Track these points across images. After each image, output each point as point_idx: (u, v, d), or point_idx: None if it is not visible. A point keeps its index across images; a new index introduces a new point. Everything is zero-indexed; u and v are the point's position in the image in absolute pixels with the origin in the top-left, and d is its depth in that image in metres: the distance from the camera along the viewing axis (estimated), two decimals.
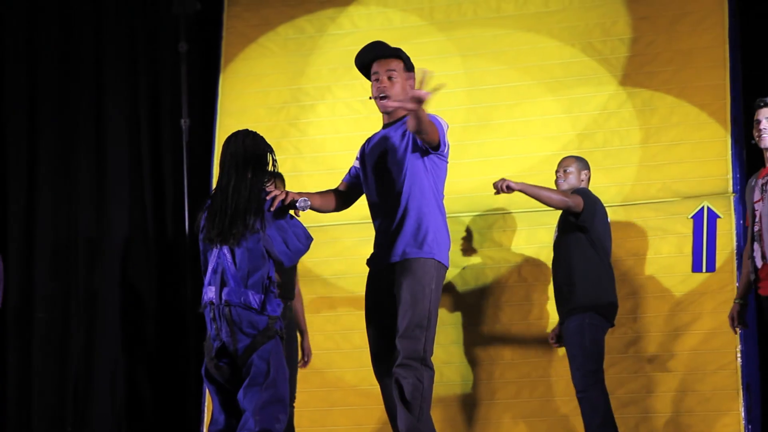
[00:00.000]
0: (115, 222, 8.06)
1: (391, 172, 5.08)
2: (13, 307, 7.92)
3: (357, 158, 5.33)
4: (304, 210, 4.81)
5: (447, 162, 5.19)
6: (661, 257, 6.92)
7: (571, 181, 6.38)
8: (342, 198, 5.34)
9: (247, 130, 4.88)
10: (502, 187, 5.99)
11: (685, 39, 7.14)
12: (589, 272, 6.14)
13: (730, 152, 6.89)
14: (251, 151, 4.78)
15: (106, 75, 8.21)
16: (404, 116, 5.05)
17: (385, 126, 5.25)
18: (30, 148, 8.10)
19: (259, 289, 4.68)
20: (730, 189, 6.84)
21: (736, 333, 5.60)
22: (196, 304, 7.63)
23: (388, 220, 5.10)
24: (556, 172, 6.49)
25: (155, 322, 8.06)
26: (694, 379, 6.73)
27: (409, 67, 5.20)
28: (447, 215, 7.12)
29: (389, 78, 5.13)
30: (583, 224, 6.18)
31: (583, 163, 6.50)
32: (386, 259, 5.10)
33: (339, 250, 7.37)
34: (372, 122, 7.54)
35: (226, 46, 7.94)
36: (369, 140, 5.28)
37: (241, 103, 7.83)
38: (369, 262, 5.23)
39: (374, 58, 5.20)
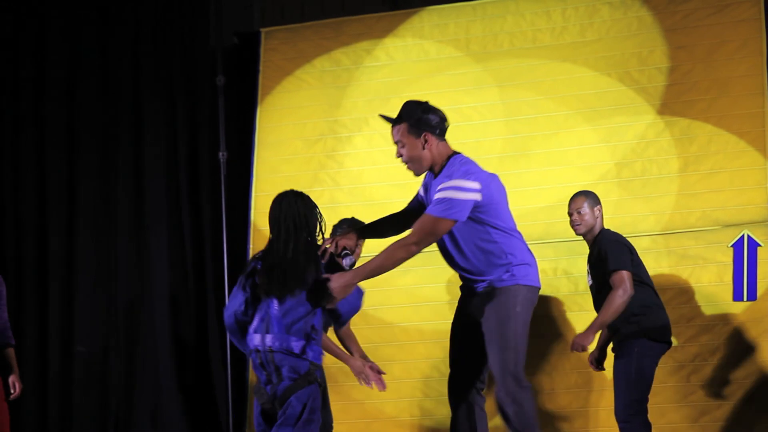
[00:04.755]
0: (153, 256, 8.10)
1: None
2: (53, 343, 7.97)
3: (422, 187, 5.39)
4: (348, 267, 4.98)
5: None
6: (701, 286, 6.87)
7: (588, 221, 6.16)
8: (402, 221, 5.42)
9: (294, 191, 5.05)
10: (579, 348, 5.97)
11: (723, 68, 7.12)
12: (637, 306, 6.03)
13: None
14: (303, 213, 4.97)
15: (144, 109, 8.27)
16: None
17: None
18: (69, 183, 8.17)
19: (300, 336, 4.79)
20: None
21: None
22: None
23: None
24: (570, 215, 6.23)
25: (194, 355, 8.07)
26: (736, 409, 6.66)
27: (414, 125, 5.11)
28: None
29: (400, 145, 5.15)
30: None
31: (593, 199, 6.23)
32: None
33: (376, 282, 7.26)
34: None
35: (263, 79, 7.99)
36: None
37: (278, 135, 7.87)
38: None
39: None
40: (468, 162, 5.10)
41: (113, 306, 8.07)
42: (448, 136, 7.50)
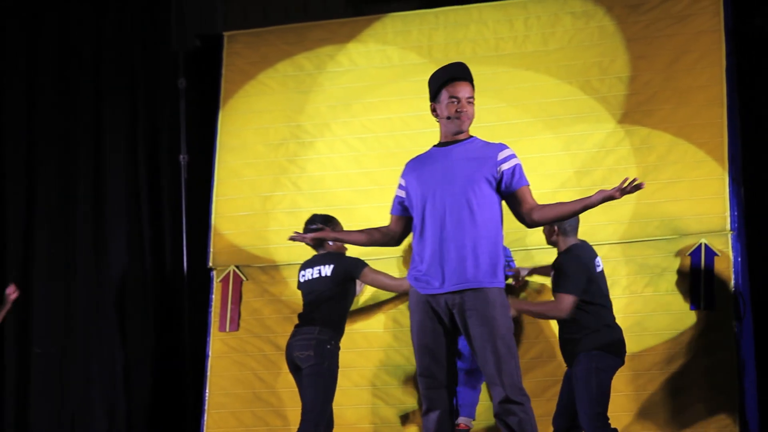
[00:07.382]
0: (112, 258, 8.07)
1: None
2: (9, 344, 7.92)
3: None
4: None
5: None
6: (659, 295, 6.91)
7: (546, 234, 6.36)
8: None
9: None
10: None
11: (683, 78, 7.16)
12: (591, 322, 6.08)
13: (727, 190, 6.88)
14: None
15: (105, 110, 8.24)
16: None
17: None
18: (29, 184, 8.13)
19: None
20: (728, 227, 6.84)
21: None
22: (193, 339, 7.67)
23: None
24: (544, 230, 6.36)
25: (152, 358, 8.05)
26: (692, 417, 6.71)
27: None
28: None
29: (470, 102, 5.39)
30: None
31: None
32: None
33: None
34: (370, 159, 7.60)
35: (225, 83, 7.96)
36: None
37: (241, 139, 7.84)
38: None
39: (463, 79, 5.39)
40: None
41: (70, 308, 8.03)
42: (409, 142, 7.55)
